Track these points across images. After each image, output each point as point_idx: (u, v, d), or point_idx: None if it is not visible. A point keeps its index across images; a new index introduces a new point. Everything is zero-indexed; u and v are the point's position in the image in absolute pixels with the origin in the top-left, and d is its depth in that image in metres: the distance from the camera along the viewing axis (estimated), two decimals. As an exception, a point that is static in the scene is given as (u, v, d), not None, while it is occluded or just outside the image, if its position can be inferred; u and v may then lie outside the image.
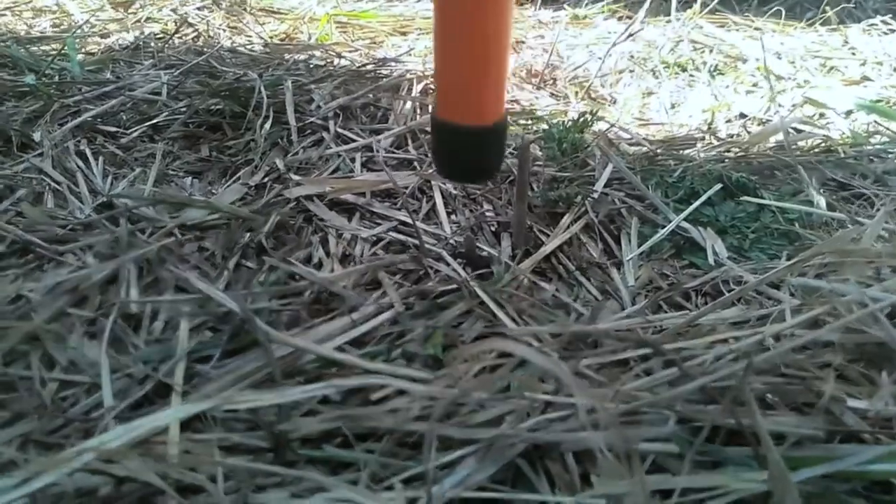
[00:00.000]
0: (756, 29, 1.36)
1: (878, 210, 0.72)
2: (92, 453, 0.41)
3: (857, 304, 0.54)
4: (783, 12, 1.35)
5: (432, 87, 1.05)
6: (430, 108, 0.58)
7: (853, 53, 1.30)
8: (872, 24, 1.40)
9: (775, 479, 0.35)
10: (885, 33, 1.40)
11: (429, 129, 0.92)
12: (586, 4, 1.64)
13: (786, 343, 0.48)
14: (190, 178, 0.81)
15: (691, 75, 1.18)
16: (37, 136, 0.85)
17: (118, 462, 0.42)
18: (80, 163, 0.80)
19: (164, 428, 0.45)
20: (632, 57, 1.22)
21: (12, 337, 0.52)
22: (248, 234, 0.68)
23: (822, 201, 0.70)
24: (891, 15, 1.45)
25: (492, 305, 0.58)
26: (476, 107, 0.51)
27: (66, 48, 1.06)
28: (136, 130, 0.90)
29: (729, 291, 0.61)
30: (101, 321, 0.56)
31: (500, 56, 0.49)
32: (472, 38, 0.48)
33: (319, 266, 0.64)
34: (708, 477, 0.38)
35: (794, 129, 0.91)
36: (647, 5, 1.20)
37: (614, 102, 1.07)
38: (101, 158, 0.82)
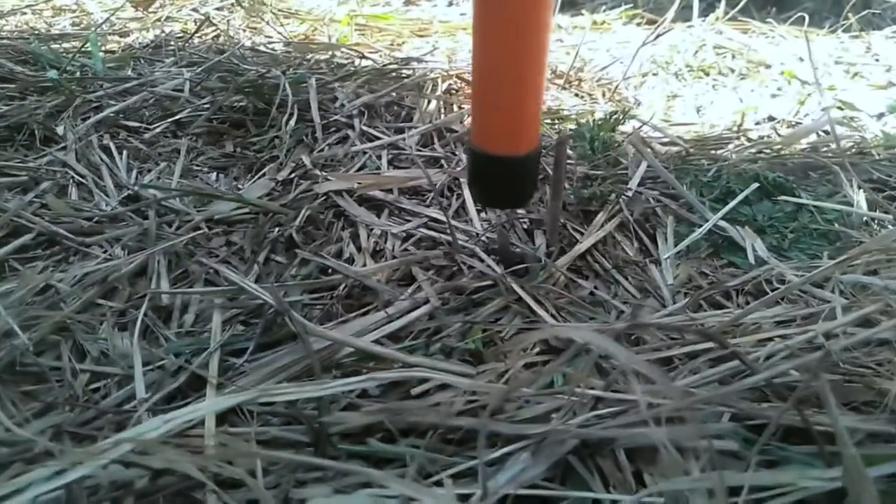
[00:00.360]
0: (780, 36, 1.35)
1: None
2: (129, 444, 0.40)
3: (910, 303, 0.52)
4: (806, 19, 1.34)
5: (455, 86, 1.04)
6: (467, 137, 0.60)
7: (877, 60, 1.29)
8: (897, 31, 1.39)
9: (851, 476, 0.33)
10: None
11: (454, 126, 0.91)
12: (604, 10, 1.64)
13: (842, 340, 0.47)
14: (215, 173, 0.80)
15: (714, 79, 1.17)
16: (60, 130, 0.85)
17: (154, 454, 0.40)
18: (104, 157, 0.79)
19: (200, 420, 0.44)
20: (654, 61, 1.21)
21: (43, 327, 0.51)
22: (277, 229, 0.67)
23: (863, 201, 0.68)
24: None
25: (530, 301, 0.57)
26: (512, 138, 0.52)
27: (88, 44, 1.05)
28: (158, 126, 0.89)
29: (772, 290, 0.59)
30: (132, 312, 0.55)
31: (535, 91, 0.50)
32: (509, 75, 0.48)
33: (351, 261, 0.63)
34: (776, 474, 0.36)
35: (826, 131, 0.89)
36: (675, 6, 1.19)
37: (639, 104, 1.06)
38: (124, 153, 0.81)
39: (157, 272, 0.59)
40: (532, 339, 0.47)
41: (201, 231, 0.65)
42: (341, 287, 0.58)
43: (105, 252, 0.62)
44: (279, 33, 1.26)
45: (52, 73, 0.96)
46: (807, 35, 0.85)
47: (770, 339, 0.52)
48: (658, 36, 1.11)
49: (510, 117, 0.51)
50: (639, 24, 1.54)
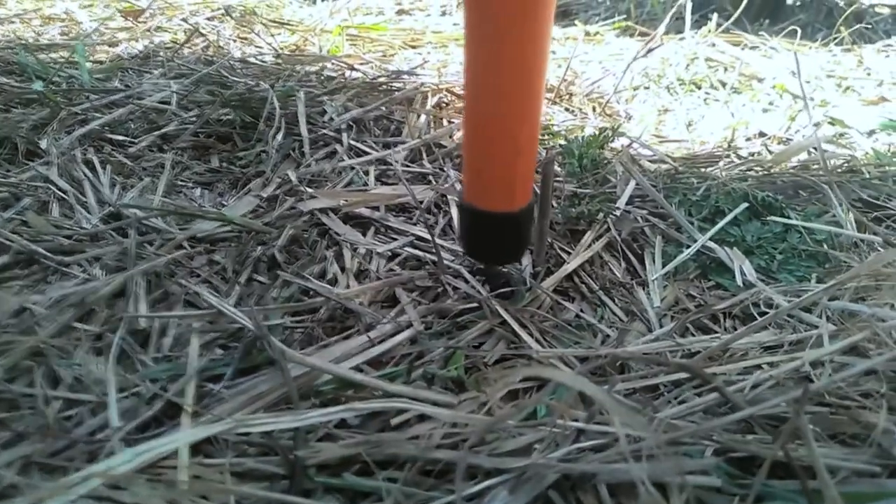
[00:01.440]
0: (773, 48, 1.35)
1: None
2: (98, 479, 0.39)
3: (898, 330, 0.52)
4: (798, 32, 1.34)
5: (445, 100, 1.03)
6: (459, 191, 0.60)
7: (868, 74, 1.29)
8: (888, 45, 1.39)
9: (833, 518, 0.32)
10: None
11: (442, 141, 0.91)
12: (597, 21, 1.64)
13: (828, 370, 0.46)
14: (199, 188, 0.79)
15: (706, 93, 1.17)
16: (43, 144, 0.83)
17: (125, 489, 0.39)
18: (88, 172, 0.78)
19: (173, 451, 0.43)
20: (646, 74, 1.21)
21: (16, 352, 0.50)
22: (260, 248, 0.66)
23: (852, 222, 0.68)
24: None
25: (514, 325, 0.56)
26: (506, 195, 0.52)
27: (74, 55, 1.04)
28: (144, 140, 0.88)
29: (759, 314, 0.59)
30: (108, 336, 0.53)
31: (530, 147, 0.50)
32: (502, 133, 0.48)
33: (334, 282, 0.62)
34: (758, 515, 0.36)
35: (816, 148, 0.89)
36: (666, 21, 1.18)
37: (630, 119, 1.06)
38: (108, 167, 0.80)
39: (136, 294, 0.57)
40: (511, 378, 0.46)
41: (183, 251, 0.64)
42: (322, 310, 0.57)
43: (84, 272, 0.61)
44: (269, 44, 1.25)
45: (38, 85, 0.95)
46: (796, 56, 0.85)
47: (757, 367, 0.51)
48: (650, 51, 1.10)
49: (504, 175, 0.50)
50: (632, 36, 1.54)
